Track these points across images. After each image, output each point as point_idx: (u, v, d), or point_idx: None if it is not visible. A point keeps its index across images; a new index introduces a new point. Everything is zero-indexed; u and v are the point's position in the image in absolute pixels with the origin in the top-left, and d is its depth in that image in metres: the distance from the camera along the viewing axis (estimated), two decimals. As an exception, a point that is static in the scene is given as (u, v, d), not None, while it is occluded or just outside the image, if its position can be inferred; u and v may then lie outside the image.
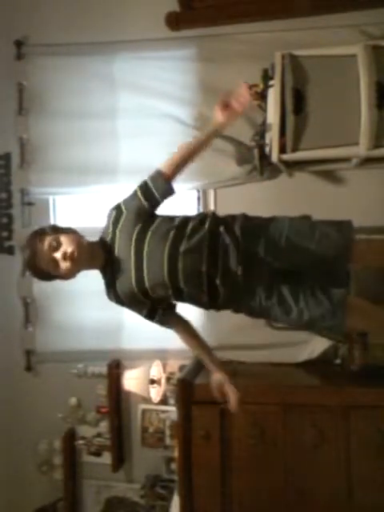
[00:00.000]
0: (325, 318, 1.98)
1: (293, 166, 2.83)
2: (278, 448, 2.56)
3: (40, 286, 3.22)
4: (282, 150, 2.54)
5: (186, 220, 2.03)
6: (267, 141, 2.66)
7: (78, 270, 2.00)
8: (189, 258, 1.94)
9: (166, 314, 2.14)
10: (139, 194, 2.05)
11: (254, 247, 1.98)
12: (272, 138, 2.57)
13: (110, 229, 2.04)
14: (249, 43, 2.94)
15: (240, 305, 2.09)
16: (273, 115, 2.55)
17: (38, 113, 3.22)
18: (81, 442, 3.24)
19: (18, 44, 3.21)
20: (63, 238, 1.95)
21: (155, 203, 2.06)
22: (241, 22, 2.97)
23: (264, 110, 2.72)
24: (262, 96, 2.72)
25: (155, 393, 3.05)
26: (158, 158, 3.05)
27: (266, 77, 2.67)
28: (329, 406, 2.52)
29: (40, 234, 1.98)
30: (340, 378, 2.72)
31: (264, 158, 2.75)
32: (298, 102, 2.50)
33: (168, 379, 3.10)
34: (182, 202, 3.28)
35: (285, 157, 2.57)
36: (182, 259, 1.94)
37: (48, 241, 1.94)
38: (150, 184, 2.05)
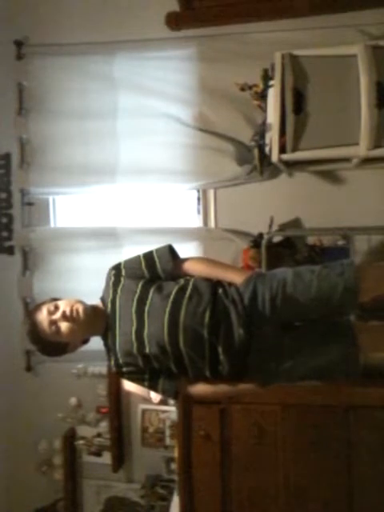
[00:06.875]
0: (338, 366, 1.91)
1: (293, 165, 2.83)
2: (277, 448, 2.56)
3: (40, 286, 3.22)
4: (282, 150, 2.54)
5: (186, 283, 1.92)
6: (267, 141, 2.66)
7: (82, 332, 1.91)
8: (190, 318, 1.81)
9: (169, 380, 1.93)
10: (142, 260, 1.96)
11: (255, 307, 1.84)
12: (272, 138, 2.57)
13: (111, 289, 1.95)
14: (249, 43, 2.94)
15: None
16: (273, 115, 2.55)
17: (38, 113, 3.22)
18: (81, 442, 3.24)
19: (18, 44, 3.21)
20: (61, 302, 1.88)
21: (156, 275, 1.94)
22: (241, 22, 2.97)
23: (264, 110, 2.72)
24: (262, 96, 2.72)
25: (155, 393, 3.05)
26: (158, 158, 3.11)
27: (266, 77, 2.68)
28: (329, 406, 2.52)
29: (39, 305, 1.92)
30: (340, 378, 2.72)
31: (264, 157, 2.75)
32: (298, 102, 2.50)
33: (168, 379, 3.10)
34: (182, 202, 3.29)
35: (285, 157, 2.57)
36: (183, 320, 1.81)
37: (46, 307, 1.86)
38: (155, 256, 1.96)
